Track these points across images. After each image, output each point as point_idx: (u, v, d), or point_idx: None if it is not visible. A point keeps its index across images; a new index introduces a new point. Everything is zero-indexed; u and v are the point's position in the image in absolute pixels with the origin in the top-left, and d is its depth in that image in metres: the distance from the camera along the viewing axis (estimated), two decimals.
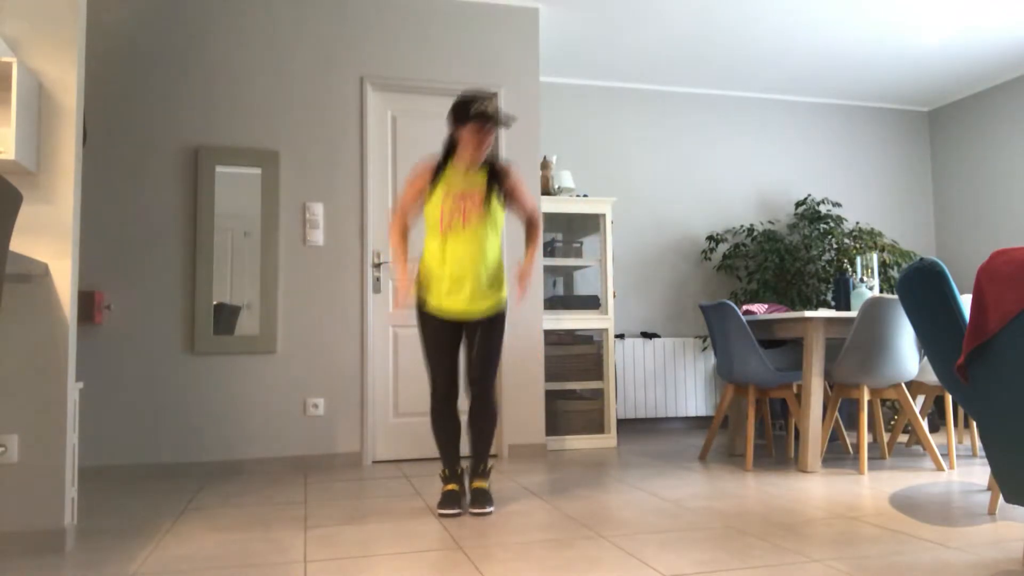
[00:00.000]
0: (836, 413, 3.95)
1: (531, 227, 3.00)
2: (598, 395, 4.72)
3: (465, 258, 2.79)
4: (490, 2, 4.37)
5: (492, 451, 4.22)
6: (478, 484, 2.88)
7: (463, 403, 4.07)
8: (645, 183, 5.71)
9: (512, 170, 2.91)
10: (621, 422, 5.44)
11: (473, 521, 2.66)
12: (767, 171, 5.99)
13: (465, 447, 4.09)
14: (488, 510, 2.76)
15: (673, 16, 4.59)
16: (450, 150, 2.90)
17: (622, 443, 4.72)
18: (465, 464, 3.91)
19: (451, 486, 2.88)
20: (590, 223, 4.94)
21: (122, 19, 3.86)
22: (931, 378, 3.94)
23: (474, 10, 4.35)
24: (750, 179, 5.95)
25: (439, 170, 2.87)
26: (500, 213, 2.89)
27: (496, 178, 2.88)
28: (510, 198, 2.92)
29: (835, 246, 5.62)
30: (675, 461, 3.97)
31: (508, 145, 4.32)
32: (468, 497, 2.96)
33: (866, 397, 3.61)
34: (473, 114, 2.76)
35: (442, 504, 2.77)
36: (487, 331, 2.86)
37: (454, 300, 2.81)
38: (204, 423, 3.79)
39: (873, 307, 3.44)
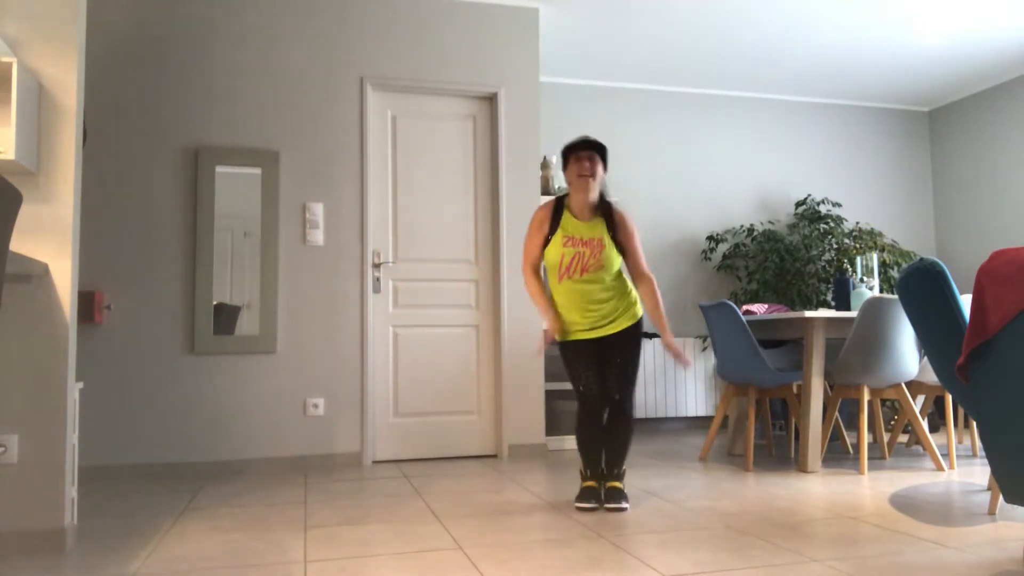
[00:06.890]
0: (836, 413, 3.95)
1: (640, 283, 2.99)
2: None
3: (584, 297, 2.90)
4: (490, 2, 4.36)
5: (493, 451, 4.23)
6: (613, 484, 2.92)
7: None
8: (645, 183, 5.71)
9: (627, 222, 2.95)
10: None
11: (473, 521, 2.66)
12: (767, 171, 5.99)
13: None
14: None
15: (673, 16, 4.59)
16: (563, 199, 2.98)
17: None
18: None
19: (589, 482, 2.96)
20: None
21: (122, 19, 3.86)
22: (931, 378, 3.94)
23: (474, 10, 4.35)
24: (750, 179, 5.95)
25: (556, 216, 2.94)
26: (617, 259, 2.93)
27: (612, 228, 2.93)
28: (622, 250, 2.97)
29: (835, 246, 5.61)
30: (675, 461, 3.97)
31: (508, 145, 4.32)
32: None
33: (866, 397, 3.61)
34: (564, 151, 2.90)
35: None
36: (622, 348, 2.92)
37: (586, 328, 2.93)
38: (204, 423, 3.79)
39: (873, 307, 3.44)
